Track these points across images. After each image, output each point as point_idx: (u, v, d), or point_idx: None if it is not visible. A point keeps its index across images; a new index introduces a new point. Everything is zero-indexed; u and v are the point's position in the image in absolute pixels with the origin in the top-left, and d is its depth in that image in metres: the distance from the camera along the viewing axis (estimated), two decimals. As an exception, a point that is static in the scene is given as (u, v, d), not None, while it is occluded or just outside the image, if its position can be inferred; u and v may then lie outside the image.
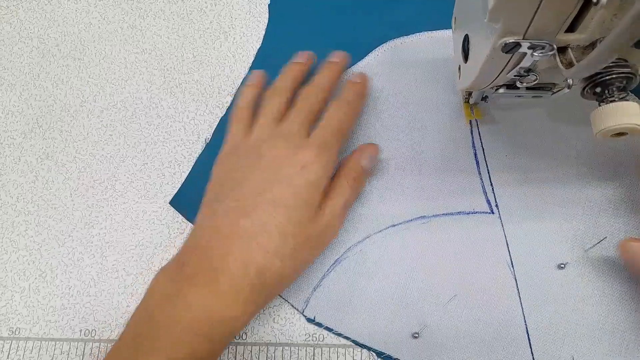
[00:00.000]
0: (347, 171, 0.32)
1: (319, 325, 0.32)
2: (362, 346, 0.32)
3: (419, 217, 0.34)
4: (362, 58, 0.39)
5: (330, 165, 0.31)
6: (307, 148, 0.30)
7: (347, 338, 0.32)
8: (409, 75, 0.37)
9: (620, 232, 0.32)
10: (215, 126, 0.38)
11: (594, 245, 0.31)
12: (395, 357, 0.31)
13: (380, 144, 0.35)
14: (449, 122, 0.36)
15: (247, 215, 0.28)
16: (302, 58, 0.36)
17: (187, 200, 0.36)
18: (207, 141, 0.38)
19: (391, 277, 0.32)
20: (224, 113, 0.38)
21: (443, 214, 0.34)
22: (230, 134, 0.34)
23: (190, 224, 0.36)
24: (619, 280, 0.30)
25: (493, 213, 0.33)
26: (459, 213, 0.34)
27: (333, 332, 0.32)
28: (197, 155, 0.37)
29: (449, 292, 0.32)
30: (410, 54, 0.38)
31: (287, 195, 0.29)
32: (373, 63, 0.38)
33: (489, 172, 0.34)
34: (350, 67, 0.38)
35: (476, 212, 0.34)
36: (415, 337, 0.31)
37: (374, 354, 0.31)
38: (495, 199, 0.34)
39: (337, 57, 0.36)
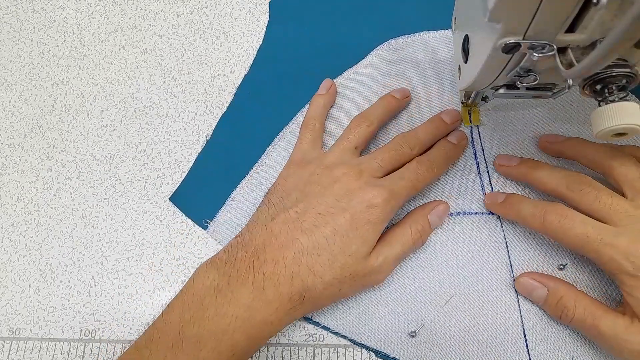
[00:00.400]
0: (414, 221, 0.32)
1: (317, 324, 0.32)
2: (360, 345, 0.32)
3: None
4: (363, 57, 0.39)
5: (393, 213, 0.31)
6: (379, 191, 0.30)
7: (344, 337, 0.32)
8: (409, 75, 0.37)
9: None
10: (215, 125, 0.38)
11: None
12: (392, 355, 0.31)
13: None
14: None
15: (305, 232, 0.29)
16: (399, 94, 0.36)
17: (187, 197, 0.37)
18: (208, 138, 0.38)
19: (389, 276, 0.32)
20: (224, 112, 0.39)
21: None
22: (300, 142, 0.35)
23: (190, 222, 0.36)
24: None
25: (493, 214, 0.33)
26: (458, 213, 0.34)
27: (331, 331, 0.32)
28: (198, 153, 0.38)
29: (448, 293, 0.32)
30: (411, 53, 0.38)
31: (347, 227, 0.29)
32: (374, 62, 0.38)
33: (488, 173, 0.34)
34: (352, 66, 0.38)
35: (476, 213, 0.34)
36: (413, 336, 0.31)
37: (373, 354, 0.32)
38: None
39: (450, 117, 0.34)
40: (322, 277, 0.28)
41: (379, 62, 0.38)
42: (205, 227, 0.36)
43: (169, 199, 0.37)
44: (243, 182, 0.36)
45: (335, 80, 0.38)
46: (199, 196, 0.36)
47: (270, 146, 0.37)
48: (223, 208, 0.36)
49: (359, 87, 0.38)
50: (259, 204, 0.33)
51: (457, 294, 0.32)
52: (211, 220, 0.36)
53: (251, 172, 0.37)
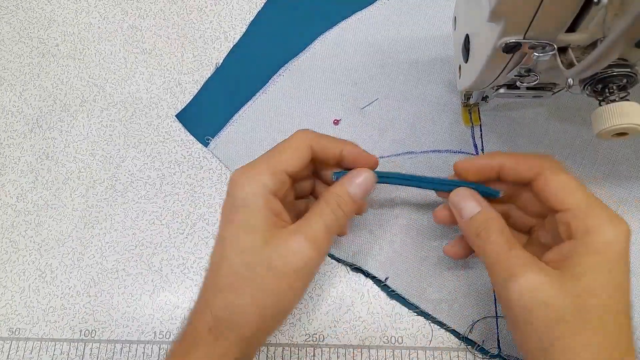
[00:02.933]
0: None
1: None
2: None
3: (407, 152, 0.36)
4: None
5: None
6: None
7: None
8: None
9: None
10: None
11: None
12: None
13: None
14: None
15: None
16: None
17: (192, 117, 0.39)
18: (218, 66, 0.40)
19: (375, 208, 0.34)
20: (235, 43, 0.39)
21: (431, 151, 0.35)
22: None
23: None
24: None
25: (478, 155, 0.35)
26: (446, 151, 0.36)
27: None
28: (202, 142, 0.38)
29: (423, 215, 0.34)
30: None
31: None
32: (381, 8, 0.40)
33: (481, 130, 0.35)
34: (360, 10, 0.40)
35: (462, 152, 0.35)
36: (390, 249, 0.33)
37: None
38: (482, 144, 0.35)
39: None
40: None
41: (385, 9, 0.40)
42: (206, 144, 0.38)
43: (175, 115, 0.39)
44: (245, 107, 0.38)
45: (341, 23, 0.40)
46: (203, 117, 0.39)
47: (274, 76, 0.39)
48: (224, 128, 0.38)
49: (366, 30, 0.39)
50: (256, 127, 0.36)
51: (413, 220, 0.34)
52: (213, 137, 0.38)
53: (254, 98, 0.39)
